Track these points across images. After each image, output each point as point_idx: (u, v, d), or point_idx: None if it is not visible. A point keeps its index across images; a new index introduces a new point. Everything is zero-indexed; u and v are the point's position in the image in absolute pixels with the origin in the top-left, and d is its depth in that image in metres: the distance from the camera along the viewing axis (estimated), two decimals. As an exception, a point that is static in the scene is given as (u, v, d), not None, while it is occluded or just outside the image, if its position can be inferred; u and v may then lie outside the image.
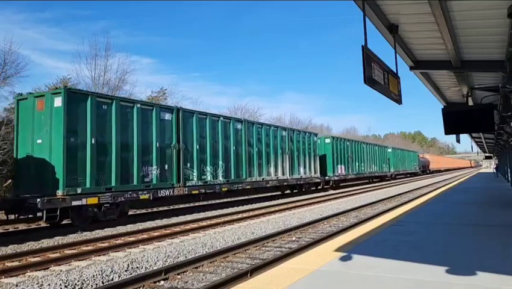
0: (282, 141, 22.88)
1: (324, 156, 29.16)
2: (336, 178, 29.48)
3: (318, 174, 26.83)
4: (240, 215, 14.48)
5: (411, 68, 7.91)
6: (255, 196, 23.62)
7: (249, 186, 19.50)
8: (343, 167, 30.84)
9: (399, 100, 6.00)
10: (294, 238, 10.18)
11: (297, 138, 24.67)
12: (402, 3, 5.23)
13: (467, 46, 6.71)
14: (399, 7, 5.37)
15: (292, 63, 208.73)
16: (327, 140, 29.91)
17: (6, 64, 25.50)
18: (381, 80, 5.17)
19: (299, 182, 24.51)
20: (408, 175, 58.01)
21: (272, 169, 21.67)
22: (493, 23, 5.58)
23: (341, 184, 32.51)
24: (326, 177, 28.51)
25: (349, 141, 33.66)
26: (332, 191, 27.52)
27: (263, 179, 20.70)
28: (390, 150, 47.09)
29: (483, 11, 5.23)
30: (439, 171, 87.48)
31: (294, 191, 25.24)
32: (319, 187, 28.51)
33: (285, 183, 23.09)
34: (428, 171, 74.20)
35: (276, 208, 16.68)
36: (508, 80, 6.51)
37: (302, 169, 24.80)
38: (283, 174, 22.64)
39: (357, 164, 34.04)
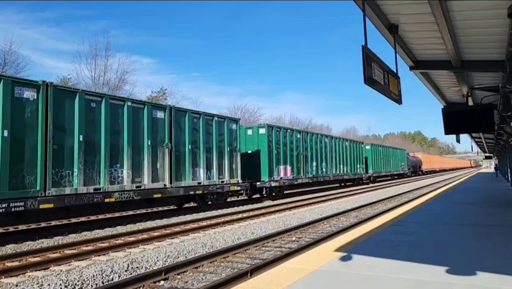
0: (156, 126, 14.26)
1: (257, 154, 20.80)
2: (274, 184, 20.94)
3: (238, 179, 18.32)
4: (240, 215, 14.47)
5: (411, 68, 7.91)
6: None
7: (51, 205, 10.52)
8: (288, 168, 22.52)
9: (399, 100, 6.01)
10: (294, 238, 10.18)
11: (192, 124, 15.72)
12: (402, 3, 5.23)
13: (467, 46, 6.71)
14: (399, 7, 5.37)
15: (292, 63, 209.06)
16: (262, 130, 21.00)
17: (6, 64, 25.56)
18: (381, 80, 5.17)
19: (195, 192, 15.57)
20: (395, 176, 49.86)
21: (126, 172, 12.85)
22: (493, 23, 5.58)
23: (288, 191, 23.99)
24: (258, 183, 19.99)
25: (301, 133, 25.07)
26: (269, 202, 19.68)
27: (96, 189, 11.85)
28: (368, 147, 38.54)
29: (484, 11, 5.23)
30: (433, 172, 78.88)
31: (210, 202, 16.65)
32: (255, 196, 20.99)
33: (157, 195, 13.96)
34: (420, 172, 65.67)
35: (276, 208, 16.68)
36: (508, 80, 6.51)
37: (202, 172, 16.02)
38: (154, 180, 13.94)
39: (315, 164, 25.75)
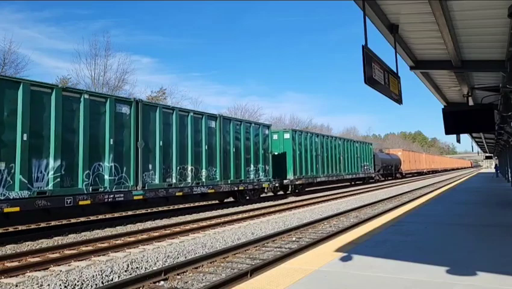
0: None
1: None
2: None
3: None
4: (240, 215, 14.46)
5: (411, 68, 7.90)
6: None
7: None
8: None
9: (399, 100, 5.99)
10: (294, 238, 10.17)
11: None
12: (402, 3, 5.21)
13: (467, 45, 6.70)
14: (399, 7, 5.36)
15: (292, 63, 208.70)
16: None
17: (6, 64, 25.54)
18: (381, 80, 5.16)
19: None
20: (356, 182, 36.39)
21: None
22: (493, 22, 5.57)
23: None
24: None
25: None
26: None
27: None
28: (287, 135, 23.64)
29: (484, 10, 5.22)
30: (420, 174, 63.71)
31: None
32: None
33: None
34: (399, 175, 51.12)
35: (276, 208, 16.67)
36: (508, 80, 6.50)
37: None
38: None
39: (53, 165, 10.47)
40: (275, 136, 23.43)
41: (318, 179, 26.56)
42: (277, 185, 22.13)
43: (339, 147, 30.53)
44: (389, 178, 47.38)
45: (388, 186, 34.37)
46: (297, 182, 23.70)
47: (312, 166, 25.72)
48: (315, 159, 26.20)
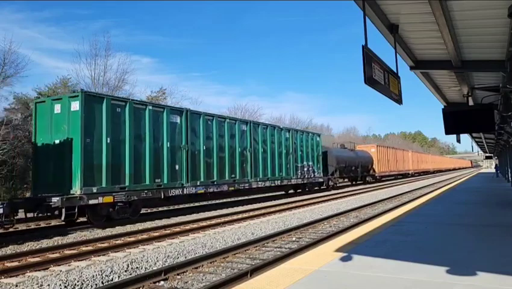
0: None
1: None
2: None
3: None
4: (240, 216, 14.46)
5: (411, 68, 7.89)
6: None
7: None
8: None
9: (399, 101, 5.99)
10: (294, 238, 10.17)
11: None
12: (402, 3, 5.21)
13: (467, 45, 6.70)
14: (399, 7, 5.36)
15: (292, 63, 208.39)
16: None
17: (6, 64, 25.49)
18: (381, 80, 5.16)
19: None
20: (299, 192, 25.18)
21: None
22: (493, 23, 5.57)
23: None
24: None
25: None
26: None
27: None
28: (75, 105, 11.63)
29: (484, 10, 5.22)
30: (404, 176, 51.38)
31: None
32: None
33: None
34: (370, 179, 39.25)
35: (276, 208, 16.67)
36: (508, 80, 6.50)
37: None
38: None
39: None
40: (57, 108, 12.34)
41: (176, 192, 14.55)
42: None
43: (243, 135, 18.81)
44: (358, 183, 37.02)
45: (389, 187, 34.39)
46: (93, 201, 11.62)
47: (159, 167, 14.07)
48: (168, 155, 14.44)
